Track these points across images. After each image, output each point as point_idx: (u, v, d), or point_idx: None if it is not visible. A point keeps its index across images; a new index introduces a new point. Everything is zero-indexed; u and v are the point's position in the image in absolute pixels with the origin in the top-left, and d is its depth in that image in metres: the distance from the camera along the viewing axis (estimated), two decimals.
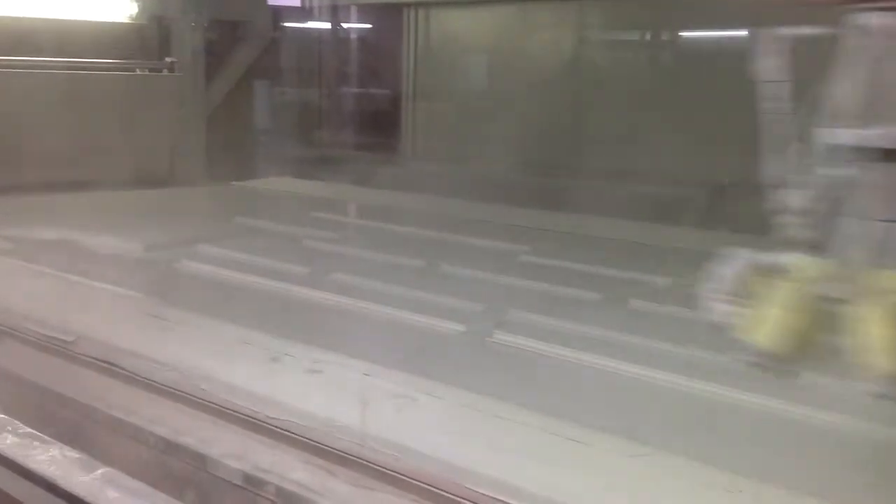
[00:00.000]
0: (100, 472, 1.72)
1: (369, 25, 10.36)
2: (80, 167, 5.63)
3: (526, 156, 6.58)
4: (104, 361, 2.46)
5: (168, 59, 6.35)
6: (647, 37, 6.68)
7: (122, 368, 2.40)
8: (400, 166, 7.32)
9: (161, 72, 6.38)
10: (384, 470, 1.87)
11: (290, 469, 1.94)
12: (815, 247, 1.66)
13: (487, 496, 1.70)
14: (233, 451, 2.00)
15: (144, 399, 2.29)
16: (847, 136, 1.61)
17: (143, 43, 6.43)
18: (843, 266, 1.61)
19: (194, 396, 2.21)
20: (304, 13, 9.36)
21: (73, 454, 1.80)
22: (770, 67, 1.78)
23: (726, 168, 5.66)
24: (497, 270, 3.67)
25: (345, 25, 10.16)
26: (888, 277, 1.56)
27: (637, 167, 5.93)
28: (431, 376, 2.31)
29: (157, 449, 2.09)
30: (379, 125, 8.81)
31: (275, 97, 8.72)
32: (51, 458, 1.77)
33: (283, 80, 8.57)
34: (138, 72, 6.39)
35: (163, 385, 2.29)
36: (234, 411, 2.13)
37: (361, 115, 9.32)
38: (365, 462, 1.90)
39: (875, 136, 1.58)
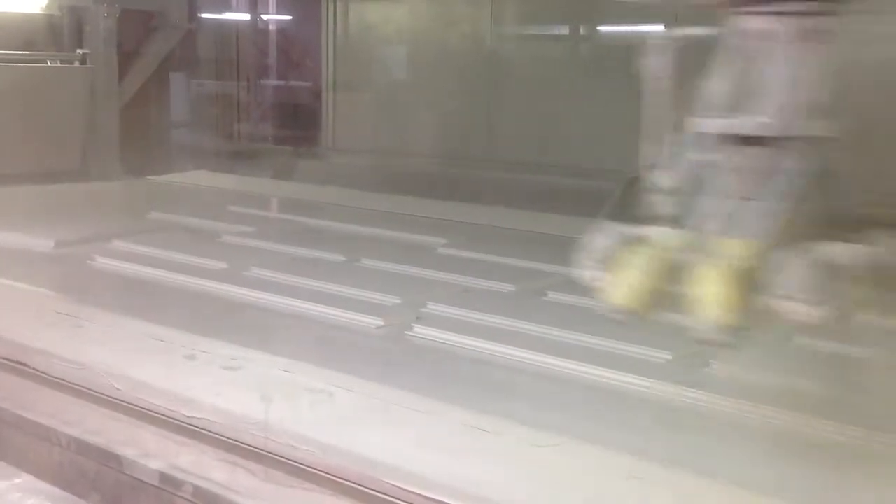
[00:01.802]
0: (17, 481, 1.69)
1: (288, 17, 10.29)
2: None
3: (443, 148, 6.62)
4: (13, 361, 2.40)
5: (79, 51, 6.20)
6: (563, 31, 6.78)
7: (33, 368, 2.35)
8: (319, 159, 7.29)
9: (73, 63, 6.23)
10: (303, 466, 1.87)
11: (208, 468, 1.93)
12: (676, 220, 1.92)
13: (401, 488, 1.73)
14: (148, 450, 1.99)
15: (56, 399, 2.25)
16: (714, 124, 1.87)
17: (55, 34, 6.27)
18: (698, 236, 1.88)
19: (108, 396, 2.18)
20: (221, 3, 9.25)
21: None
22: (655, 64, 2.03)
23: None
24: (415, 263, 3.69)
25: (264, 17, 10.06)
26: (730, 245, 1.84)
27: (552, 159, 6.02)
28: (349, 371, 2.32)
29: (69, 450, 2.06)
30: (298, 117, 8.76)
31: (191, 89, 8.59)
32: None
33: (200, 72, 8.45)
34: (49, 63, 6.23)
35: (75, 384, 2.26)
36: (149, 410, 2.11)
37: (280, 108, 9.27)
38: (283, 459, 1.90)
39: (736, 124, 1.85)
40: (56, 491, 1.71)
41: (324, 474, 1.84)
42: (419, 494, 1.70)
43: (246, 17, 9.80)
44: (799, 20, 1.86)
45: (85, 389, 2.22)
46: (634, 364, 2.49)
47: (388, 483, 1.72)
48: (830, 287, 1.75)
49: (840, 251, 1.83)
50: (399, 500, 1.71)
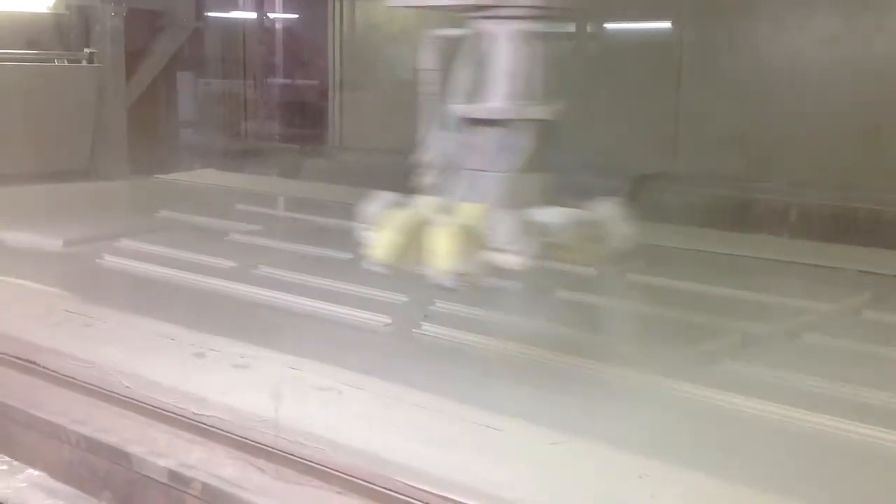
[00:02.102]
0: (24, 475, 1.70)
1: (295, 15, 10.30)
2: None
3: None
4: (23, 359, 2.41)
5: (87, 50, 6.22)
6: (572, 28, 6.77)
7: (42, 366, 2.36)
8: (325, 157, 7.29)
9: (80, 63, 6.24)
10: (312, 464, 1.88)
11: (217, 465, 1.93)
12: (434, 189, 2.36)
13: (411, 486, 1.73)
14: (158, 448, 1.99)
15: (66, 398, 2.26)
16: (459, 109, 2.33)
17: (62, 33, 6.28)
18: (447, 202, 2.31)
19: (117, 394, 2.19)
20: (228, 2, 9.26)
21: None
22: (427, 59, 2.44)
23: (647, 158, 5.78)
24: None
25: (270, 15, 10.07)
26: (465, 208, 2.29)
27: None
28: (358, 369, 2.32)
29: (79, 448, 2.07)
30: (305, 116, 8.77)
31: (198, 88, 8.60)
32: None
33: (207, 70, 8.46)
34: (56, 63, 6.24)
35: (85, 383, 2.26)
36: (159, 408, 2.11)
37: (287, 106, 9.27)
38: (292, 456, 1.90)
39: (473, 109, 2.32)
40: (66, 488, 1.71)
41: (333, 472, 1.85)
42: (429, 492, 1.70)
43: (252, 15, 9.81)
44: (511, 24, 2.33)
45: (94, 388, 2.23)
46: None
47: (398, 481, 1.72)
48: (531, 241, 2.21)
49: (548, 213, 2.29)
50: (409, 497, 1.71)
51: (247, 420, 2.00)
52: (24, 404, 2.23)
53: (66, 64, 6.25)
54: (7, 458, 1.96)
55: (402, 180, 6.05)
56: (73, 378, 2.29)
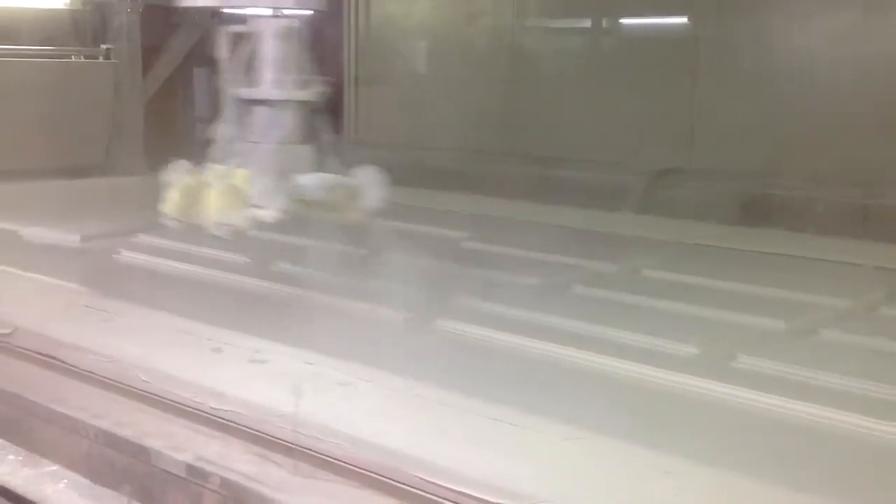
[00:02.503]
0: (47, 469, 1.71)
1: (309, 11, 10.27)
2: (11, 157, 5.52)
3: (466, 141, 6.61)
4: (43, 354, 2.43)
5: (104, 46, 6.25)
6: (584, 24, 6.75)
7: (61, 361, 2.38)
8: (340, 153, 7.28)
9: (97, 59, 6.28)
10: (329, 459, 1.88)
11: (235, 460, 1.94)
12: (221, 159, 2.91)
13: (428, 481, 1.73)
14: (176, 442, 2.00)
15: (84, 392, 2.27)
16: (240, 92, 2.96)
17: (79, 29, 6.32)
18: (228, 168, 2.86)
19: (136, 388, 2.20)
20: None
21: (17, 452, 1.79)
22: (221, 50, 3.03)
23: (664, 154, 5.76)
24: (439, 257, 3.69)
25: (285, 11, 10.03)
26: (237, 173, 2.85)
27: (577, 153, 6.00)
28: (374, 364, 2.32)
29: (99, 442, 2.08)
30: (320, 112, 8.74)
31: (212, 84, 8.61)
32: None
33: (221, 66, 8.46)
34: (73, 59, 6.27)
35: (103, 377, 2.28)
36: (177, 402, 2.12)
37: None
38: (310, 451, 1.91)
39: (249, 91, 2.96)
40: (87, 482, 1.72)
41: (351, 467, 1.85)
42: (447, 487, 1.70)
43: (268, 11, 9.80)
44: (270, 21, 3.01)
45: (114, 382, 2.24)
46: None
47: (416, 476, 1.73)
48: (283, 200, 2.81)
49: (310, 177, 2.90)
50: (427, 492, 1.72)
51: (265, 415, 2.00)
52: (44, 399, 2.24)
53: (83, 60, 6.29)
54: (26, 452, 1.97)
55: (419, 174, 6.08)
56: (93, 372, 2.31)
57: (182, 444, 2.01)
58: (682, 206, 5.30)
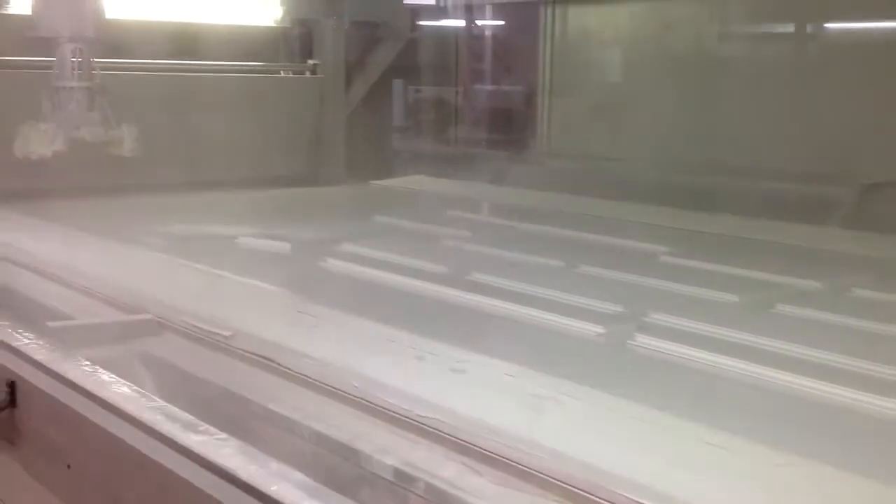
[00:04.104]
0: (274, 466, 1.82)
1: (503, 23, 10.41)
2: (224, 167, 5.89)
3: (662, 153, 6.51)
4: (259, 356, 2.58)
5: (311, 62, 6.55)
6: (788, 29, 6.50)
7: (277, 363, 2.52)
8: (534, 164, 7.34)
9: (304, 73, 6.59)
10: (530, 470, 1.91)
11: (439, 466, 1.99)
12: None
13: (630, 499, 1.72)
14: (384, 446, 2.08)
15: (298, 394, 2.40)
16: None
17: (287, 45, 6.66)
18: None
19: (346, 393, 2.30)
20: (439, 12, 9.49)
21: (246, 447, 1.92)
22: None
23: (875, 166, 5.47)
24: (635, 271, 3.66)
25: (479, 23, 10.24)
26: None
27: (780, 164, 5.79)
28: (573, 378, 2.33)
29: (311, 442, 2.19)
30: (513, 122, 8.85)
31: (410, 96, 8.87)
32: (231, 452, 1.88)
33: (418, 78, 8.71)
34: (282, 74, 6.61)
35: (315, 381, 2.39)
36: (384, 408, 2.21)
37: (496, 113, 9.39)
38: (511, 462, 1.94)
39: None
40: (302, 478, 1.82)
41: (552, 480, 1.87)
42: None
43: (462, 24, 10.00)
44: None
45: (325, 386, 2.36)
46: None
47: (620, 494, 1.73)
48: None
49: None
50: None
51: (467, 424, 2.05)
52: (261, 398, 2.38)
53: (292, 75, 6.62)
54: (248, 447, 2.10)
55: (610, 185, 6.05)
56: (305, 375, 2.43)
57: (389, 449, 2.08)
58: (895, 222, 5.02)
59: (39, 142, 4.81)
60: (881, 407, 2.27)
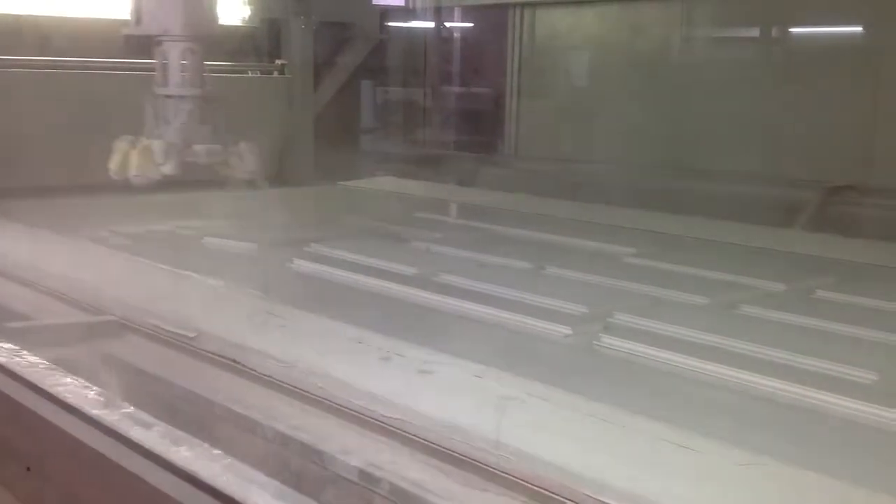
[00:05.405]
0: (236, 467, 1.80)
1: (472, 25, 10.41)
2: (191, 168, 5.81)
3: (629, 155, 6.54)
4: (224, 357, 2.55)
5: (278, 62, 6.51)
6: (757, 34, 6.57)
7: (242, 364, 2.49)
8: (503, 166, 7.35)
9: (271, 73, 6.55)
10: (496, 471, 1.90)
11: (404, 467, 1.98)
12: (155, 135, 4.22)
13: (595, 499, 1.72)
14: (348, 447, 2.06)
15: (262, 395, 2.38)
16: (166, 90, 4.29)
17: (255, 45, 6.61)
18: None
19: (310, 394, 2.28)
20: (408, 13, 9.47)
21: (208, 448, 1.89)
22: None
23: (841, 169, 5.53)
24: (603, 272, 3.67)
25: (448, 25, 10.23)
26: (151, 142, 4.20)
27: (743, 167, 5.84)
28: (540, 379, 2.33)
29: (275, 443, 2.17)
30: (481, 125, 8.86)
31: (379, 97, 8.85)
32: (193, 453, 1.86)
33: (387, 80, 8.69)
34: (250, 74, 6.57)
35: (280, 381, 2.37)
36: (349, 409, 2.19)
37: (464, 115, 9.39)
38: (477, 463, 1.93)
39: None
40: (265, 479, 1.80)
41: (518, 480, 1.86)
42: None
43: (431, 26, 9.98)
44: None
45: (290, 387, 2.34)
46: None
47: (584, 494, 1.72)
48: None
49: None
50: None
51: (433, 425, 2.04)
52: (224, 399, 2.35)
53: (259, 75, 6.57)
54: (209, 447, 2.07)
55: (577, 188, 6.06)
56: (271, 377, 2.41)
57: (353, 450, 2.06)
58: (857, 224, 5.08)
59: (146, 162, 3.97)
60: (843, 407, 2.29)
